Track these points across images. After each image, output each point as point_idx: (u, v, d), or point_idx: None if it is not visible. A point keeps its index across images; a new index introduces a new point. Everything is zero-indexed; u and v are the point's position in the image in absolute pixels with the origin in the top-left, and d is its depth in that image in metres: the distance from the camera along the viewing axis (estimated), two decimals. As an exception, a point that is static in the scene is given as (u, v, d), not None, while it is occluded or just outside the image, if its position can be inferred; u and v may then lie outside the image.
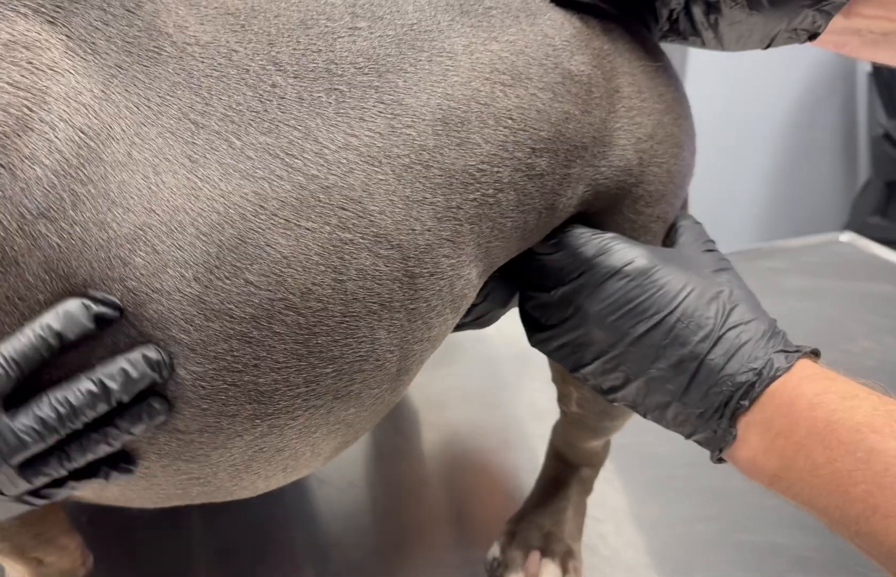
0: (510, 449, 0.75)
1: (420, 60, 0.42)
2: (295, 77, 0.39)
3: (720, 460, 0.46)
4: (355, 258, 0.39)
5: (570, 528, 0.61)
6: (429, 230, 0.41)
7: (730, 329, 0.45)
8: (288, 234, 0.37)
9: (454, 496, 0.71)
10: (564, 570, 0.58)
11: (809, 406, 0.41)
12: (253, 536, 0.64)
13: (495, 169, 0.43)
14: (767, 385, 0.43)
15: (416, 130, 0.41)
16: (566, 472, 0.64)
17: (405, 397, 0.84)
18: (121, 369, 0.35)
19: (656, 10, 0.51)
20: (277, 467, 0.42)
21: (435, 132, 0.41)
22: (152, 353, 0.35)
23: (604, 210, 0.50)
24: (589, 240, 0.49)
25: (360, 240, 0.39)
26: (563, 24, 0.47)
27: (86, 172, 0.34)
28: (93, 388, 0.35)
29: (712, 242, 0.52)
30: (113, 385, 0.35)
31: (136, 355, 0.35)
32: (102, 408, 0.35)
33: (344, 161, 0.39)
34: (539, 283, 0.51)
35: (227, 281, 0.36)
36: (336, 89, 0.40)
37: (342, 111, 0.39)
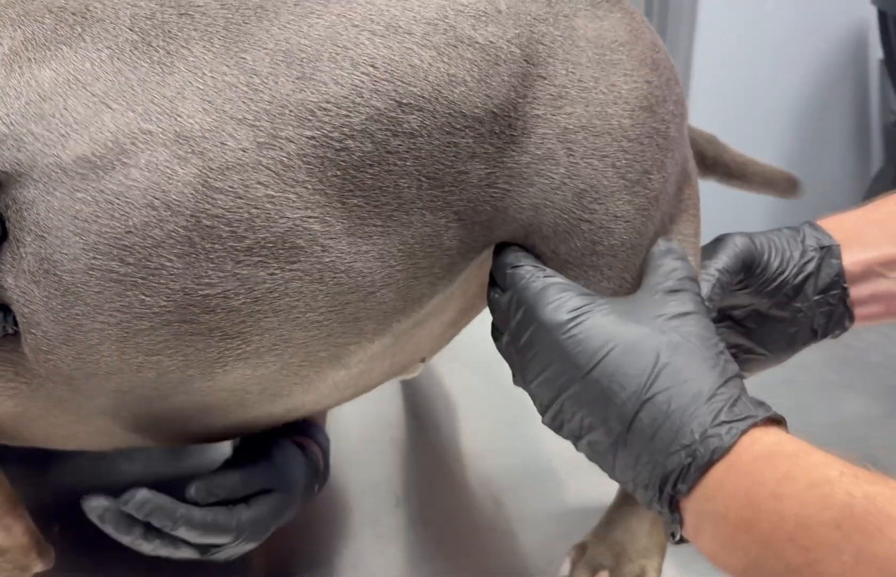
0: (503, 451, 0.74)
1: (286, 3, 0.45)
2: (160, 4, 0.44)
3: (680, 542, 0.41)
4: (149, 149, 0.41)
5: (645, 544, 0.56)
6: (243, 150, 0.42)
7: (659, 393, 0.40)
8: (87, 105, 0.41)
9: (442, 499, 0.70)
10: None
11: (772, 497, 0.36)
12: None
13: (343, 112, 0.43)
14: (706, 470, 0.38)
15: (251, 55, 0.43)
16: None
17: (394, 398, 0.82)
18: None
19: None
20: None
21: (273, 62, 0.43)
22: None
23: (546, 207, 0.48)
24: (530, 283, 0.46)
25: (161, 135, 0.41)
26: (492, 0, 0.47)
27: None
28: None
29: (689, 280, 0.47)
30: None
31: None
32: None
33: (168, 64, 0.42)
34: (496, 323, 0.50)
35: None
36: (189, 15, 0.44)
37: (189, 35, 0.44)
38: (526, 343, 0.46)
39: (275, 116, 0.43)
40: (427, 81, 0.45)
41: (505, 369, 0.83)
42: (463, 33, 0.46)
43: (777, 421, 0.40)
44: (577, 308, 0.44)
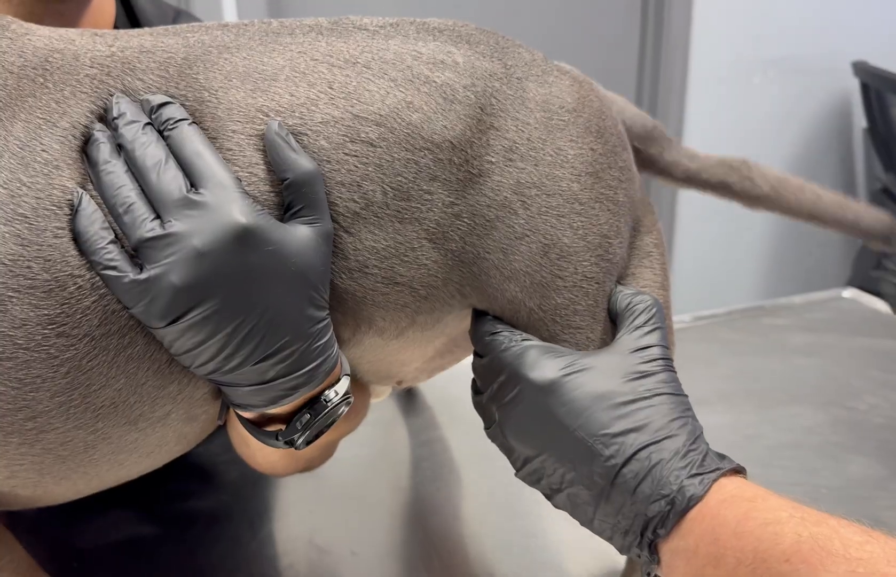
0: (516, 515, 0.75)
1: (251, 41, 0.49)
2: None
3: None
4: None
5: None
6: None
7: (641, 449, 0.44)
8: (62, 140, 0.43)
9: (458, 564, 0.70)
10: None
11: (734, 536, 0.41)
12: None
13: (297, 115, 0.46)
14: (683, 516, 0.43)
15: (204, 76, 0.46)
16: None
17: (405, 462, 0.83)
18: None
19: None
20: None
21: (227, 78, 0.47)
22: None
23: (514, 253, 0.50)
24: (508, 347, 0.49)
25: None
26: (450, 52, 0.51)
27: None
28: None
29: (657, 332, 0.50)
30: None
31: None
32: None
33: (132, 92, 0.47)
34: (477, 383, 0.52)
35: None
36: (150, 52, 0.47)
37: (147, 65, 0.47)
38: (510, 402, 0.48)
39: (222, 117, 0.45)
40: (384, 104, 0.48)
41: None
42: (420, 72, 0.49)
43: (738, 471, 0.45)
44: (561, 369, 0.47)
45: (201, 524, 0.73)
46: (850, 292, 1.25)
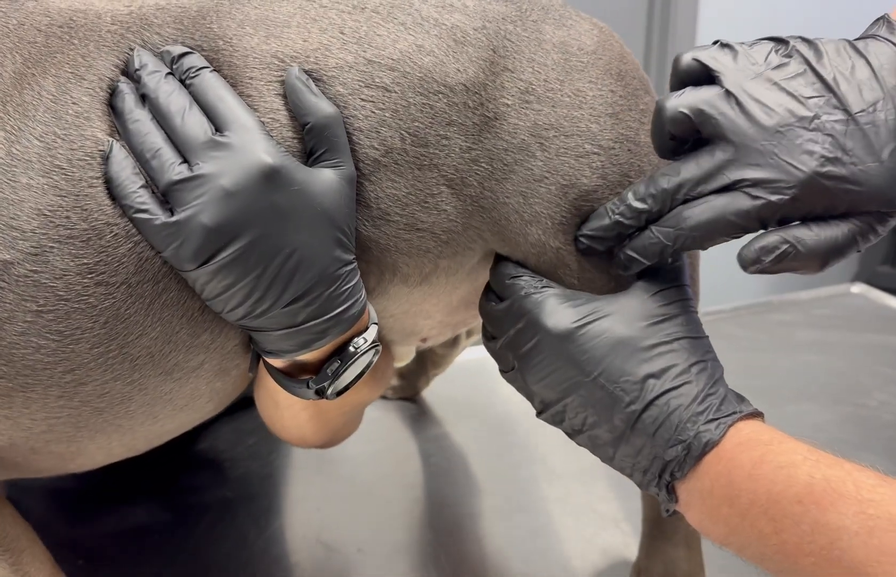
0: (524, 512, 0.74)
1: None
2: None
3: (672, 515, 0.47)
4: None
5: (686, 568, 0.59)
6: None
7: (660, 395, 0.45)
8: (91, 92, 0.45)
9: (466, 563, 0.70)
10: None
11: (748, 477, 0.41)
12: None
13: (311, 60, 0.47)
14: (699, 459, 0.44)
15: (217, 25, 0.47)
16: None
17: (413, 458, 0.83)
18: None
19: None
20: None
21: (240, 26, 0.47)
22: None
23: (534, 196, 0.50)
24: (529, 294, 0.49)
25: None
26: None
27: None
28: None
29: (678, 269, 0.50)
30: None
31: None
32: None
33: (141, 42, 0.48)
34: (489, 329, 0.52)
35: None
36: (164, 9, 0.48)
37: (163, 20, 0.48)
38: (529, 350, 0.49)
39: (238, 64, 0.46)
40: (396, 48, 0.48)
41: (519, 428, 0.84)
42: (428, 15, 0.49)
43: (756, 415, 0.46)
44: (581, 317, 0.47)
45: (207, 521, 0.73)
46: (858, 288, 1.25)
